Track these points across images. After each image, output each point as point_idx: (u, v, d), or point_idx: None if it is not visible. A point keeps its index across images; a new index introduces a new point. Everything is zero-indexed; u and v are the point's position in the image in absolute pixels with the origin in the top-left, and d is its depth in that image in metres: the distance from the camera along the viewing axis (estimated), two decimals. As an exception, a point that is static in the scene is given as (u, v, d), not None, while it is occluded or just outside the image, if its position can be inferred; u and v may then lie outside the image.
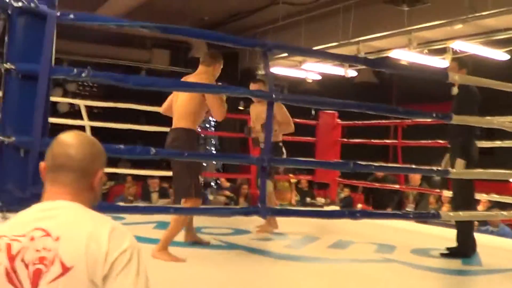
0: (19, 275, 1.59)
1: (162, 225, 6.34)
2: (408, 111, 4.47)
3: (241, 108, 14.83)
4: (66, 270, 1.58)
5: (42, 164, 1.83)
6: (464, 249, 5.47)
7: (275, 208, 5.27)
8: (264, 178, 3.86)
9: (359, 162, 4.11)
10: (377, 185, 9.89)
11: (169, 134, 4.96)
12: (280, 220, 7.12)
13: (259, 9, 12.42)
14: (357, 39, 10.52)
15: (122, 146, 3.47)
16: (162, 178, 11.34)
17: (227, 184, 13.27)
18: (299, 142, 11.13)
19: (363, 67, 10.88)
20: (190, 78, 4.97)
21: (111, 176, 11.54)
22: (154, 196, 10.85)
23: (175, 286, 3.96)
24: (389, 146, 8.71)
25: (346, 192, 12.68)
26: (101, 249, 1.62)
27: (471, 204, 5.46)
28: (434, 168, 5.02)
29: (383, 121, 8.31)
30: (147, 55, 15.43)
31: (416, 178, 8.67)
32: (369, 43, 10.56)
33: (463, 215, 4.59)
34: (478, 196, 6.76)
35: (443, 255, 5.48)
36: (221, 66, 5.12)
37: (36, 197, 2.80)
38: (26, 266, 1.60)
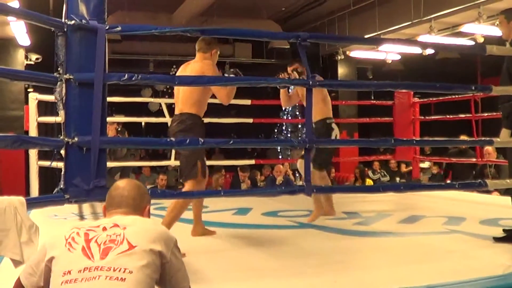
0: (92, 251, 2.12)
1: (242, 211, 6.73)
2: (446, 85, 4.40)
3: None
4: (132, 247, 2.12)
5: (103, 205, 2.45)
6: None
7: (319, 186, 5.34)
8: (308, 159, 4.00)
9: (401, 139, 4.21)
10: (454, 160, 9.87)
11: (174, 119, 4.86)
12: (355, 200, 7.38)
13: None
14: (429, 17, 10.53)
15: (173, 139, 3.94)
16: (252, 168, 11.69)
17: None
18: (377, 123, 11.35)
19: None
20: (190, 66, 4.87)
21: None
22: (244, 186, 11.00)
23: (254, 261, 4.27)
24: (472, 120, 8.64)
25: (435, 169, 12.67)
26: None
27: None
28: (476, 139, 4.95)
29: (456, 96, 8.31)
30: (231, 49, 15.70)
31: (490, 151, 8.54)
32: (441, 19, 10.51)
33: (511, 182, 4.51)
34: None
35: (496, 239, 4.70)
36: (218, 52, 5.01)
37: (98, 189, 3.26)
38: (99, 245, 2.14)
